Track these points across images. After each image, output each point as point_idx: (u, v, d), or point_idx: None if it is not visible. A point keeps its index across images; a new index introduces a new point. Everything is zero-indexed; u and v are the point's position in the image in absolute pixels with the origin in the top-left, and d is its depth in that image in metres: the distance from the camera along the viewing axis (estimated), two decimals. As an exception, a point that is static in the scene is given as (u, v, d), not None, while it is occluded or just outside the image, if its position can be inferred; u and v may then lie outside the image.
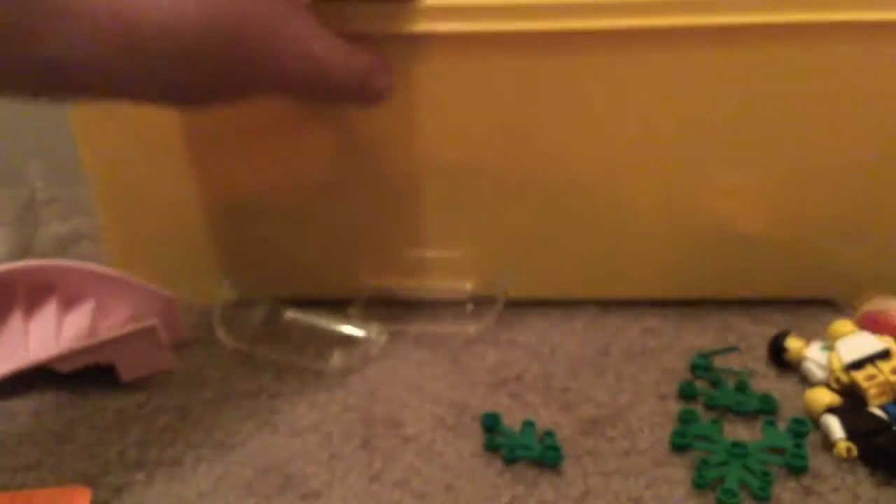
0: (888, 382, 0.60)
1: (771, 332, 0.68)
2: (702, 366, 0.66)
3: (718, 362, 0.67)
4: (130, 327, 0.65)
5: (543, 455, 0.58)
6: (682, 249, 0.71)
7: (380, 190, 0.69)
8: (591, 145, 0.67)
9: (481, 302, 0.72)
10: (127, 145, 0.68)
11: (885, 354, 0.61)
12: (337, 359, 0.66)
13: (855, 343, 0.62)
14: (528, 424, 0.60)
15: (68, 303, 0.69)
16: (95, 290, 0.68)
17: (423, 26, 0.61)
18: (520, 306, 0.73)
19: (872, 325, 0.65)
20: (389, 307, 0.71)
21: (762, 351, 0.68)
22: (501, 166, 0.68)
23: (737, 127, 0.66)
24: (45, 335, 0.66)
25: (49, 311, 0.67)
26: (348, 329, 0.70)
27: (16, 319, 0.67)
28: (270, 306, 0.71)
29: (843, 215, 0.70)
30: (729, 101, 0.65)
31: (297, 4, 0.51)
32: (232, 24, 0.46)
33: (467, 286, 0.71)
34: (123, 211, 0.71)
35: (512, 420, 0.61)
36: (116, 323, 0.68)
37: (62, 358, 0.63)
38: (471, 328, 0.70)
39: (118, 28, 0.43)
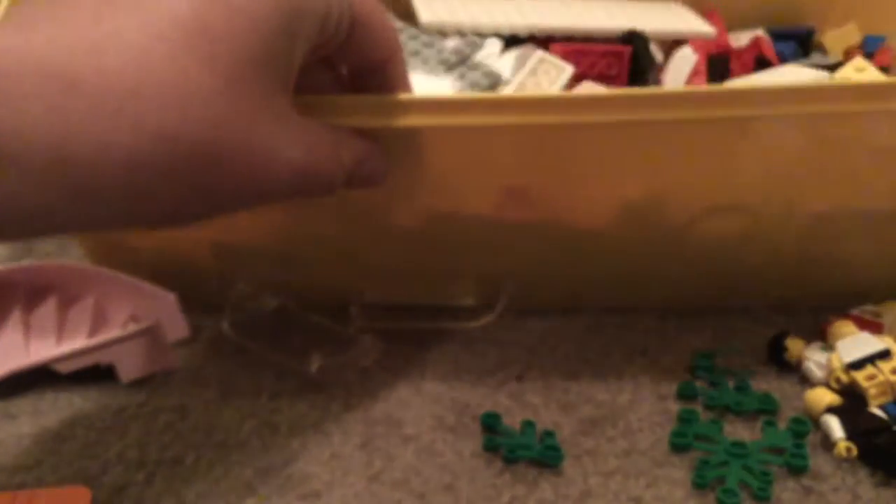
0: (888, 382, 0.60)
1: (771, 332, 0.68)
2: (702, 366, 0.66)
3: (718, 362, 0.67)
4: (132, 327, 0.65)
5: (543, 455, 0.58)
6: (687, 272, 0.70)
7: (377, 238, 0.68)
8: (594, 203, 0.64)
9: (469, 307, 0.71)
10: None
11: (885, 354, 0.61)
12: (315, 361, 0.66)
13: (855, 343, 0.62)
14: (529, 424, 0.60)
15: (68, 303, 0.69)
16: (95, 289, 0.68)
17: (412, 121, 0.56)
18: (516, 312, 0.72)
19: (857, 324, 0.65)
20: (390, 307, 0.71)
21: (762, 351, 0.68)
22: (502, 218, 0.65)
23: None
24: (45, 335, 0.66)
25: (49, 312, 0.67)
26: (342, 335, 0.69)
27: (15, 320, 0.67)
28: (276, 305, 0.71)
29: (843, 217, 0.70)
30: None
31: (270, 102, 0.43)
32: (197, 150, 0.40)
33: (469, 299, 0.71)
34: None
35: (512, 420, 0.61)
36: (117, 323, 0.68)
37: (63, 358, 0.64)
38: (471, 325, 0.70)
39: (65, 172, 0.37)
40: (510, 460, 0.58)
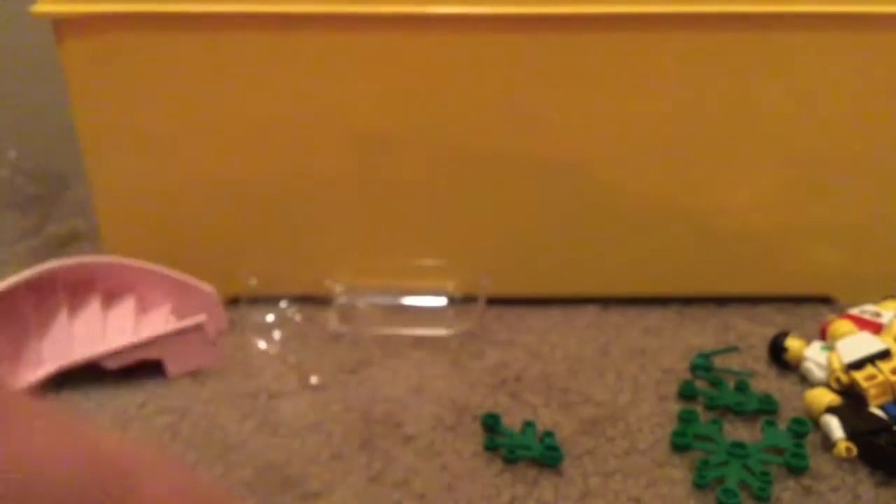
0: (888, 382, 0.60)
1: (771, 332, 0.68)
2: (702, 366, 0.66)
3: (718, 362, 0.67)
4: (181, 324, 0.65)
5: (543, 455, 0.58)
6: (680, 244, 0.71)
7: (374, 183, 0.69)
8: (587, 133, 0.67)
9: (466, 301, 0.71)
10: (127, 150, 0.68)
11: (885, 354, 0.61)
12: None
13: (855, 343, 0.62)
14: (529, 425, 0.60)
15: (110, 299, 0.68)
16: (135, 285, 0.68)
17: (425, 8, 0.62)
18: (520, 306, 0.73)
19: (856, 324, 0.65)
20: (381, 309, 0.71)
21: (762, 351, 0.68)
22: (496, 154, 0.68)
23: (736, 120, 0.66)
24: (91, 333, 0.66)
25: (93, 309, 0.67)
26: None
27: (61, 318, 0.66)
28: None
29: (838, 214, 0.70)
30: (728, 94, 0.65)
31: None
32: None
33: (449, 287, 0.71)
34: (122, 209, 0.71)
35: (512, 420, 0.61)
36: (160, 317, 0.68)
37: (111, 355, 0.63)
38: (453, 329, 0.70)
39: None
40: (510, 460, 0.58)
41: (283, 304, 0.72)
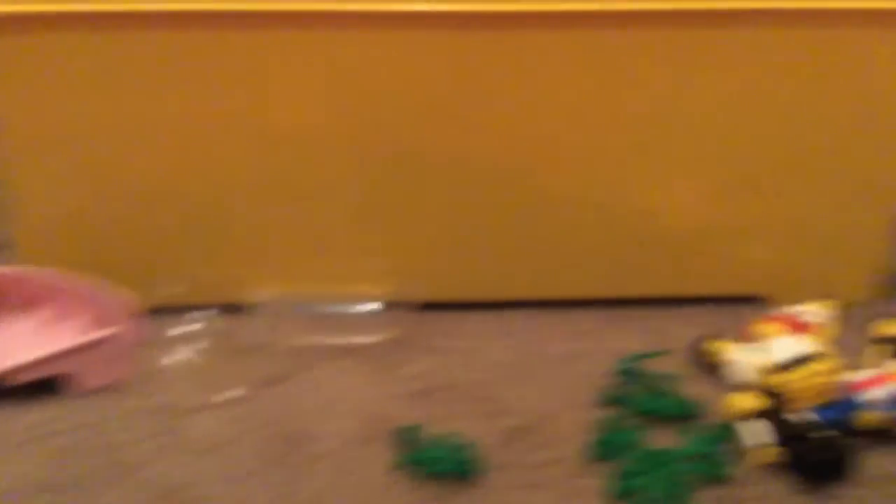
0: (811, 386, 0.58)
1: (697, 333, 0.67)
2: (627, 370, 0.65)
3: (645, 366, 0.65)
4: (91, 336, 0.62)
5: (461, 469, 0.56)
6: (608, 246, 0.70)
7: (296, 187, 0.67)
8: (518, 134, 0.65)
9: (395, 307, 0.70)
10: (43, 155, 0.66)
11: (810, 356, 0.60)
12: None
13: (780, 345, 0.61)
14: (448, 437, 0.58)
15: (23, 310, 0.65)
16: (51, 295, 0.65)
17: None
18: (454, 310, 0.71)
19: (784, 325, 0.64)
20: (305, 318, 0.69)
21: (688, 353, 0.67)
22: (424, 155, 0.66)
23: (662, 117, 0.65)
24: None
25: (2, 321, 0.64)
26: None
27: None
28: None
29: (769, 214, 0.69)
30: (658, 95, 0.64)
31: None
32: None
33: (378, 292, 0.70)
34: (38, 216, 0.68)
35: (433, 431, 0.59)
36: (73, 329, 0.65)
37: (17, 369, 0.60)
38: (380, 337, 0.68)
39: None
40: (428, 475, 0.56)
41: (203, 313, 0.69)
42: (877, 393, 0.58)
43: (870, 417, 0.57)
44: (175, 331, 0.68)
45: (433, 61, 0.63)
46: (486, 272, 0.71)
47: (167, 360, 0.66)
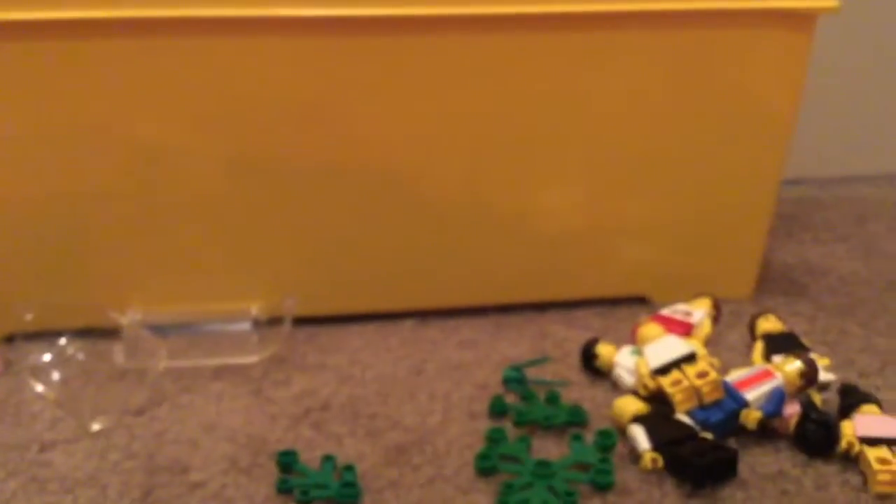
0: (693, 387, 0.58)
1: (586, 337, 0.66)
2: (513, 378, 0.63)
3: (531, 373, 0.65)
4: None
5: (340, 493, 0.54)
6: (490, 252, 0.69)
7: (163, 201, 0.64)
8: (394, 138, 0.64)
9: (271, 324, 0.67)
10: None
11: (690, 358, 0.60)
12: None
13: (660, 347, 0.61)
14: (328, 459, 0.56)
15: None
16: None
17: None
18: (332, 324, 0.69)
19: (666, 325, 0.64)
20: (176, 339, 0.66)
21: (576, 358, 0.66)
22: (294, 164, 0.63)
23: (540, 121, 0.64)
24: None
25: None
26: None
27: None
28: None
29: (648, 214, 0.69)
30: (539, 96, 0.63)
31: None
32: None
33: (252, 310, 0.67)
34: None
35: (312, 455, 0.57)
36: None
37: None
38: (257, 356, 0.65)
39: None
40: (305, 501, 0.54)
41: (63, 340, 0.65)
42: (755, 392, 0.58)
43: (752, 417, 0.57)
44: (35, 359, 0.63)
45: (303, 68, 0.61)
46: (366, 284, 0.69)
47: (27, 391, 0.62)
